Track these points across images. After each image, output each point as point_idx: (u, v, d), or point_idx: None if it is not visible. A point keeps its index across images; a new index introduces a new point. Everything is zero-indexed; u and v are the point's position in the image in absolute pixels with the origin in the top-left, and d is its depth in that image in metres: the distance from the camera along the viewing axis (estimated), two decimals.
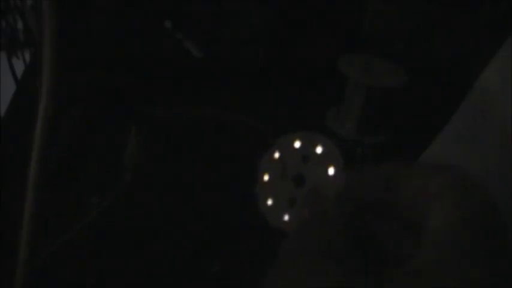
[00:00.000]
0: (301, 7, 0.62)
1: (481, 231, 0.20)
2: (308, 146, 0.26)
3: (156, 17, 0.59)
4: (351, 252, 0.22)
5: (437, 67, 0.59)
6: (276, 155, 0.27)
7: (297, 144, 0.26)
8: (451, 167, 0.23)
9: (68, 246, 0.43)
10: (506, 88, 0.39)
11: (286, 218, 0.26)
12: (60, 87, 0.31)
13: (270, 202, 0.26)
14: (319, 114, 0.57)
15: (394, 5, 0.60)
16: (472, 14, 0.57)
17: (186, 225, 0.46)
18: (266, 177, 0.27)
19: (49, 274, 0.40)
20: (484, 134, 0.41)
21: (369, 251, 0.23)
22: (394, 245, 0.23)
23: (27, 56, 0.79)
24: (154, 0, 0.59)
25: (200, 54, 0.60)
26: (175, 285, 0.42)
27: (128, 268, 0.42)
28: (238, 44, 0.61)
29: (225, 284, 0.42)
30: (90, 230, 0.44)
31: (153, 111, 0.55)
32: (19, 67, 0.73)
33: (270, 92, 0.59)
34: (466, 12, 0.57)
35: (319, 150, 0.25)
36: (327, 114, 0.57)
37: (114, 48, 0.59)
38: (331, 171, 0.25)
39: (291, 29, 0.63)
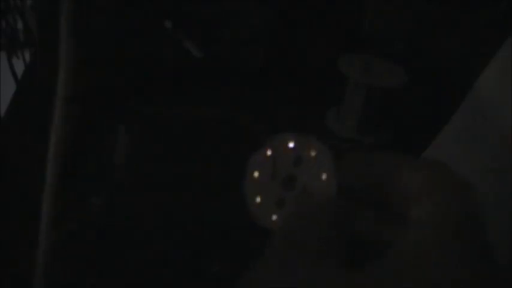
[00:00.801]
0: (301, 7, 0.62)
1: (464, 231, 0.20)
2: (302, 149, 0.26)
3: (156, 17, 0.59)
4: (348, 248, 0.22)
5: (437, 67, 0.59)
6: (268, 153, 0.27)
7: (291, 145, 0.26)
8: (440, 164, 0.23)
9: (67, 246, 0.43)
10: (506, 88, 0.39)
11: (274, 218, 0.26)
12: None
13: (258, 200, 0.26)
14: (319, 114, 0.57)
15: (394, 5, 0.60)
16: (472, 14, 0.57)
17: (186, 225, 0.46)
18: (256, 175, 0.27)
19: (49, 274, 0.40)
20: (484, 134, 0.41)
21: (364, 248, 0.23)
22: (376, 234, 0.23)
23: (27, 56, 0.79)
24: (154, 0, 0.59)
25: (200, 54, 0.60)
26: (175, 285, 0.42)
27: (128, 268, 0.42)
28: (238, 44, 0.61)
29: (225, 284, 0.42)
30: (90, 230, 0.44)
31: (153, 110, 0.55)
32: (19, 67, 0.73)
33: (270, 92, 0.59)
34: (466, 12, 0.57)
35: (312, 154, 0.25)
36: (327, 114, 0.57)
37: (114, 48, 0.59)
38: (323, 177, 0.25)
39: (291, 29, 0.63)
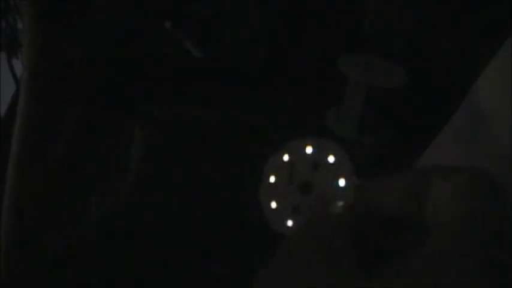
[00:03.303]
0: (301, 7, 0.62)
1: (485, 241, 0.20)
2: (320, 154, 0.25)
3: (156, 17, 0.59)
4: (360, 256, 0.22)
5: (437, 67, 0.59)
6: (285, 157, 0.26)
7: (309, 150, 0.26)
8: (473, 171, 0.22)
9: (68, 246, 0.43)
10: (506, 88, 0.39)
11: (289, 223, 0.25)
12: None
13: (273, 205, 0.26)
14: (319, 114, 0.57)
15: (394, 5, 0.60)
16: (472, 14, 0.57)
17: (186, 225, 0.46)
18: (272, 179, 0.27)
19: (49, 274, 0.40)
20: (483, 134, 0.41)
21: (376, 257, 0.22)
22: (388, 242, 0.23)
23: None
24: (154, 0, 0.59)
25: (200, 54, 0.60)
26: (175, 285, 0.42)
27: (128, 268, 0.42)
28: (238, 44, 0.61)
29: (225, 284, 0.42)
30: (91, 230, 0.44)
31: (153, 110, 0.55)
32: (19, 67, 0.73)
33: (270, 92, 0.59)
34: (466, 12, 0.57)
35: (331, 159, 0.25)
36: (327, 114, 0.57)
37: (114, 48, 0.59)
38: (341, 183, 0.24)
39: (291, 29, 0.63)
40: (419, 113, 0.58)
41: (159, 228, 0.45)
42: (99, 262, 0.42)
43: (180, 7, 0.60)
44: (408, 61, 0.54)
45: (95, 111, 0.54)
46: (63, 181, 0.47)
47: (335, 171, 0.24)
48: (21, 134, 0.38)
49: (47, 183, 0.46)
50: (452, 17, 0.59)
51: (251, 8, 0.60)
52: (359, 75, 0.52)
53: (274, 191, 0.26)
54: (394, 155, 0.51)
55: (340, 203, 0.23)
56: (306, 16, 0.63)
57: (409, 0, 0.60)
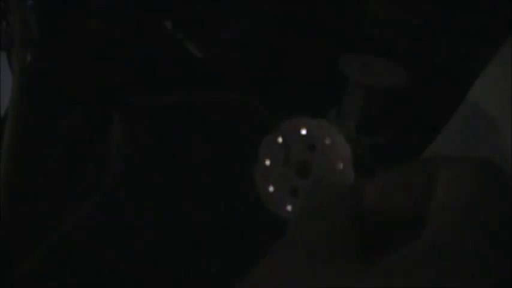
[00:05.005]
0: (301, 7, 0.62)
1: (482, 241, 0.19)
2: (315, 136, 0.24)
3: (156, 17, 0.59)
4: (354, 250, 0.21)
5: (437, 67, 0.59)
6: (279, 139, 0.26)
7: (303, 131, 0.25)
8: (475, 162, 0.21)
9: (66, 246, 0.43)
10: (506, 88, 0.39)
11: (289, 208, 0.25)
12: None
13: (271, 189, 0.25)
14: (319, 114, 0.57)
15: (395, 5, 0.60)
16: (472, 14, 0.57)
17: (185, 225, 0.46)
18: (267, 162, 0.26)
19: (47, 273, 0.40)
20: (484, 135, 0.41)
21: (375, 246, 0.22)
22: (388, 233, 0.22)
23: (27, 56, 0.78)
24: (154, 0, 0.59)
25: (200, 54, 0.60)
26: (174, 285, 0.42)
27: (128, 268, 0.42)
28: (238, 44, 0.61)
29: (225, 284, 0.42)
30: (90, 230, 0.44)
31: (153, 110, 0.55)
32: None
33: (270, 92, 0.59)
34: (466, 12, 0.57)
35: (327, 142, 0.24)
36: (327, 114, 0.57)
37: (114, 48, 0.59)
38: (339, 166, 0.24)
39: (291, 29, 0.63)
40: (419, 113, 0.58)
41: (158, 228, 0.45)
42: (98, 262, 0.42)
43: (180, 7, 0.60)
44: (408, 61, 0.54)
45: (95, 111, 0.54)
46: (63, 181, 0.48)
47: (332, 153, 0.24)
48: (11, 132, 0.38)
49: (46, 184, 0.46)
50: (452, 17, 0.59)
51: (251, 8, 0.60)
52: (359, 75, 0.52)
53: (269, 174, 0.25)
54: (394, 155, 0.51)
55: (339, 187, 0.23)
56: (306, 16, 0.63)
57: (409, 1, 0.60)
